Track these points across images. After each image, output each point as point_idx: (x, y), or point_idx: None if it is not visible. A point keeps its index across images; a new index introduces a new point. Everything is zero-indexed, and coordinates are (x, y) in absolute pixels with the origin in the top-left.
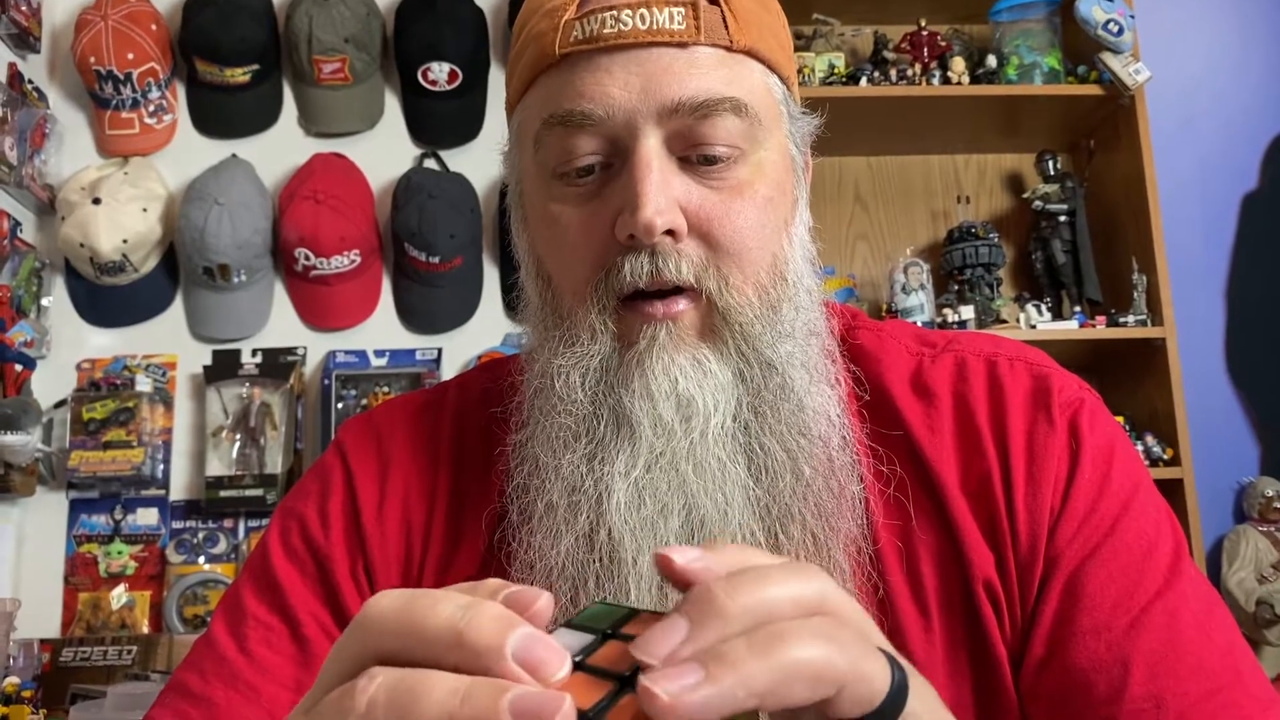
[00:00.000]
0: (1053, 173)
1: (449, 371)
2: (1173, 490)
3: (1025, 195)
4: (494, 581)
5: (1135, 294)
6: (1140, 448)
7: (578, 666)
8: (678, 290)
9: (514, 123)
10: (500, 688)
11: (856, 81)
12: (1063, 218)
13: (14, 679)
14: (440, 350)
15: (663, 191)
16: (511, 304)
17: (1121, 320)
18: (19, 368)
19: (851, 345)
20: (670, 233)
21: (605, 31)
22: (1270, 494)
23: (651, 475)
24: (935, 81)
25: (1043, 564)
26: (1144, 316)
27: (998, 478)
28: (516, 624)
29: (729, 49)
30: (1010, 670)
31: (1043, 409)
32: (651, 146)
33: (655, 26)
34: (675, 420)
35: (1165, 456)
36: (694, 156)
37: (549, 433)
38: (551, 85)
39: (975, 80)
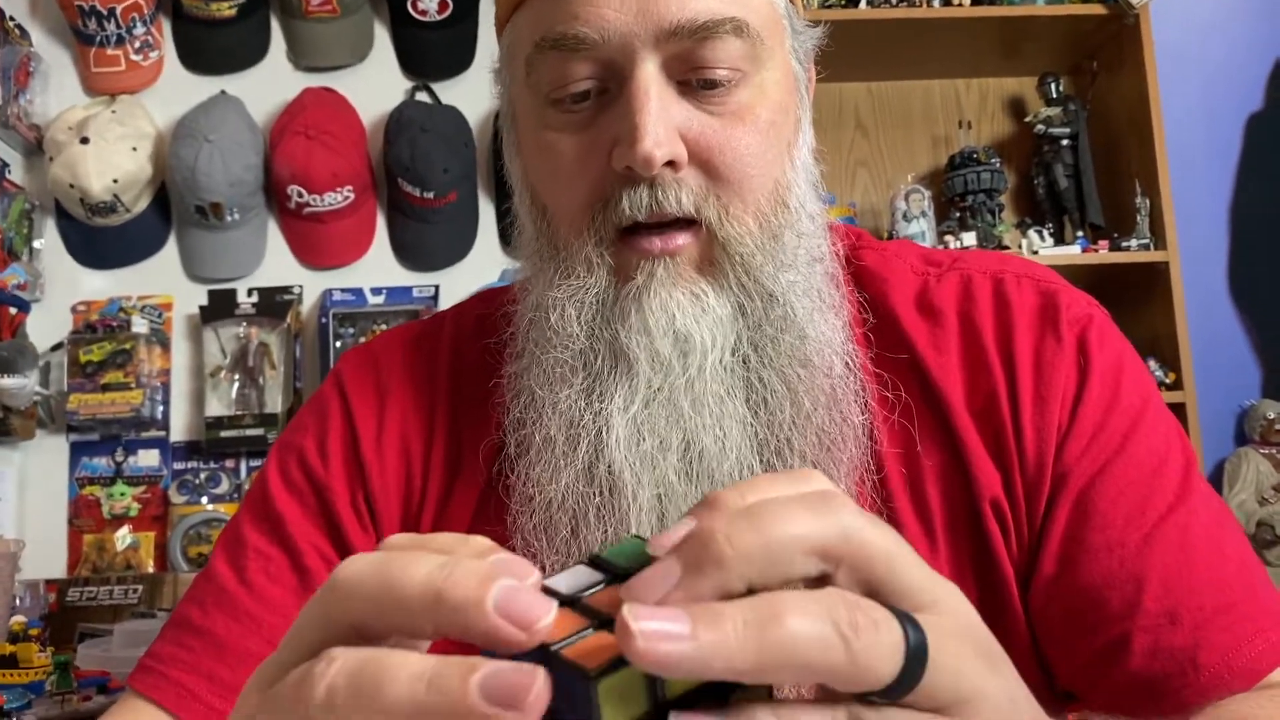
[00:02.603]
0: (1055, 96)
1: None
2: (1175, 413)
3: (1027, 119)
4: (482, 541)
5: (1138, 218)
6: None
7: (574, 605)
8: (677, 222)
9: (504, 42)
10: (469, 666)
11: (856, 4)
12: (1065, 141)
13: (20, 618)
14: (437, 287)
15: (661, 121)
16: (508, 238)
17: (1124, 244)
18: (13, 310)
19: (857, 266)
20: (670, 163)
21: None
22: (1272, 416)
23: (650, 411)
24: (936, 3)
25: (1050, 481)
26: (1147, 240)
27: (1004, 395)
28: (497, 575)
29: None
30: (1017, 588)
31: (1050, 325)
32: (649, 72)
33: None
34: (673, 356)
35: (1168, 380)
36: (694, 80)
37: (545, 367)
38: (543, 5)
39: (977, 1)
